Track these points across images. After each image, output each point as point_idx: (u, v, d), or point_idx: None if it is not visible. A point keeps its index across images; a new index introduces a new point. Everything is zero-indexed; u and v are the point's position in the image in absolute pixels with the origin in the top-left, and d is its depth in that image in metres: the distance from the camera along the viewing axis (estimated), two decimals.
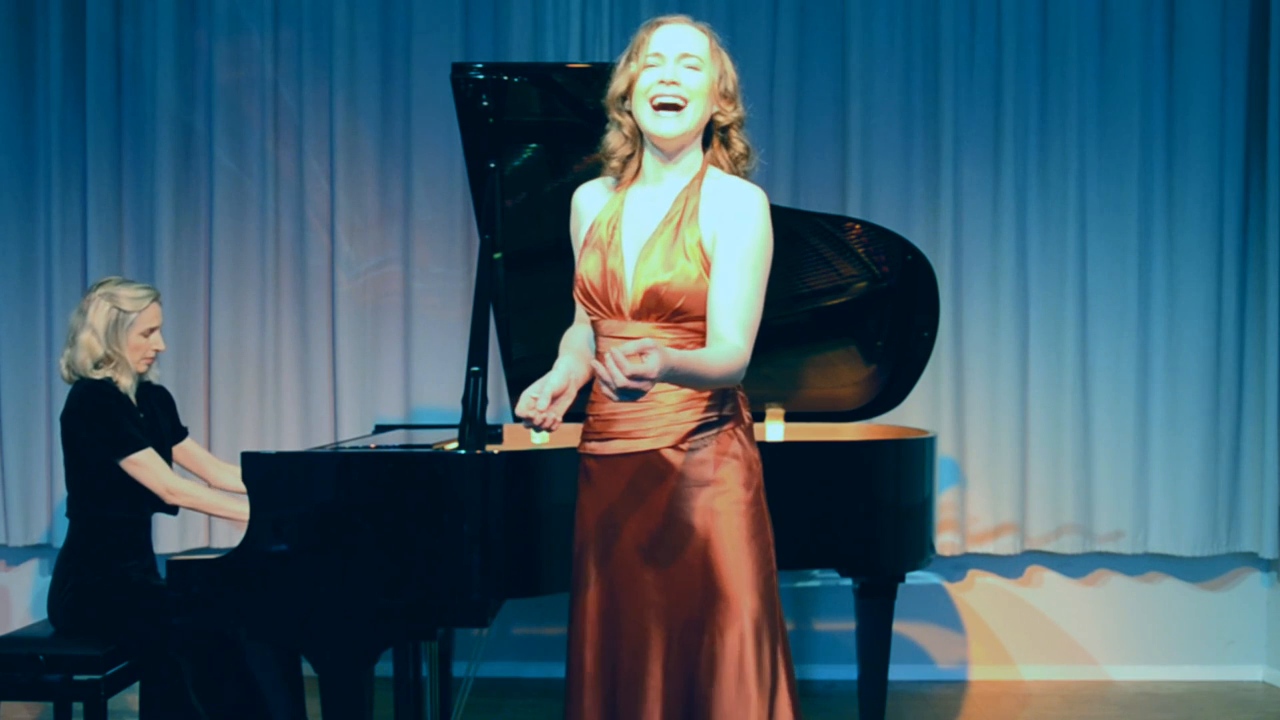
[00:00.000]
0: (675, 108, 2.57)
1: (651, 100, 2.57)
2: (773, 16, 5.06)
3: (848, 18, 5.05)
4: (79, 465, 3.66)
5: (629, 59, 2.63)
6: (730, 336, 2.53)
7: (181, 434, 3.95)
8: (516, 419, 4.36)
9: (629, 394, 2.27)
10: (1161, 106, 5.07)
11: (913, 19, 5.06)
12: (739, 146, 2.67)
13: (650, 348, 2.27)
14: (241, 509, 3.69)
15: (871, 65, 5.06)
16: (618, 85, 2.63)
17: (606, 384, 2.27)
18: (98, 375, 3.67)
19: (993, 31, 5.06)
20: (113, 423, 3.61)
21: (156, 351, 3.79)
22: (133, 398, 3.72)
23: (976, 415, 5.09)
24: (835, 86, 5.08)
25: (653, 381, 2.27)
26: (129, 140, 5.05)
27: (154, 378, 3.86)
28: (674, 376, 2.38)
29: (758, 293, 2.58)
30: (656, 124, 2.58)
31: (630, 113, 2.63)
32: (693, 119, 2.60)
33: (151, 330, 3.76)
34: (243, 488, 3.88)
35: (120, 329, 3.70)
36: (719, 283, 2.57)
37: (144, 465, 3.61)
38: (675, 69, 2.58)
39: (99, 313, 3.69)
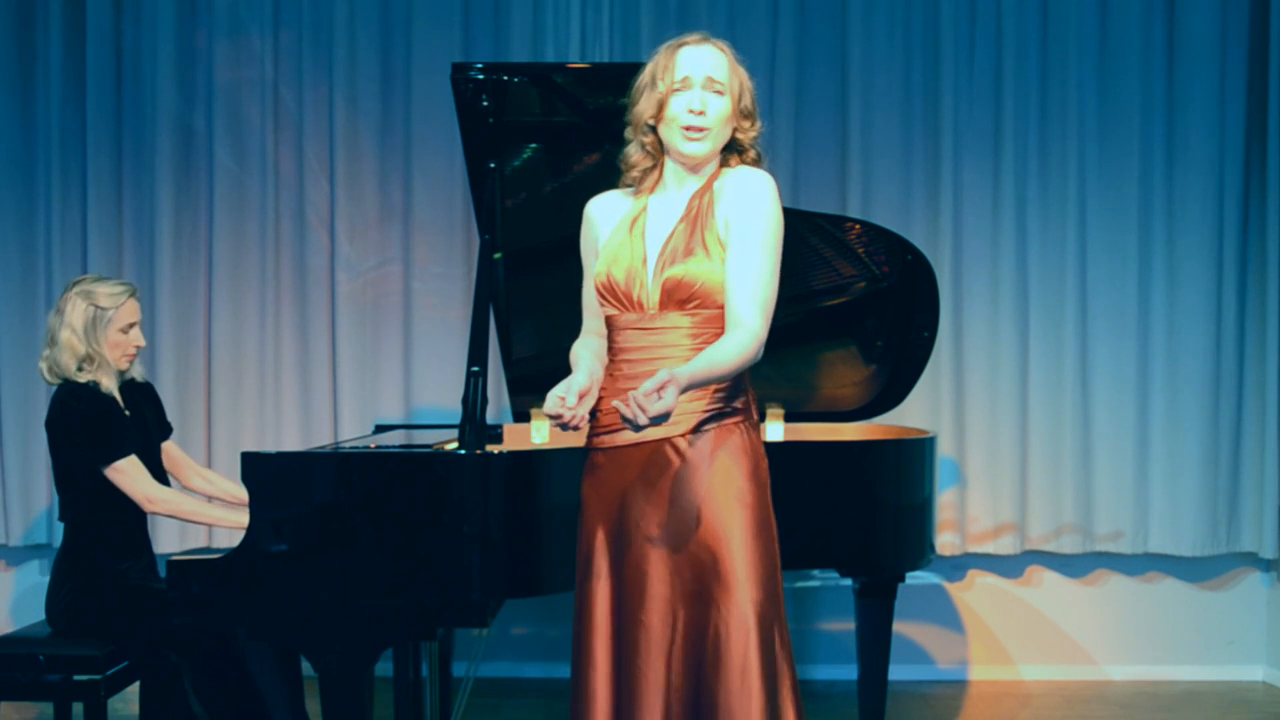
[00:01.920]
0: (705, 130, 2.68)
1: (683, 128, 2.68)
2: (773, 16, 5.06)
3: (848, 18, 5.05)
4: (66, 471, 3.63)
5: (653, 81, 2.70)
6: (746, 317, 2.62)
7: (167, 431, 3.92)
8: (514, 416, 4.37)
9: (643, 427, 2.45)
10: (1161, 106, 5.07)
11: (913, 19, 5.06)
12: (751, 154, 2.77)
13: (667, 381, 2.41)
14: (222, 515, 3.68)
15: (871, 65, 5.06)
16: (644, 109, 2.71)
17: (629, 421, 2.41)
18: (81, 378, 3.62)
19: (993, 32, 5.06)
20: (96, 429, 3.57)
21: (137, 348, 3.73)
22: (117, 397, 3.68)
23: (976, 415, 5.09)
24: (835, 86, 5.08)
25: (671, 411, 2.42)
26: (129, 140, 5.05)
27: (137, 375, 3.81)
28: (691, 387, 2.53)
29: (772, 272, 2.67)
30: (687, 147, 2.69)
31: (655, 131, 2.72)
32: (719, 142, 2.72)
33: (130, 326, 3.70)
34: (216, 491, 3.91)
35: (99, 326, 3.64)
36: (734, 264, 2.66)
37: (126, 473, 3.57)
38: (703, 96, 2.67)
39: (76, 311, 3.64)
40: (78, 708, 3.51)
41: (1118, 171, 5.08)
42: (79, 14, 5.03)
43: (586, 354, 2.79)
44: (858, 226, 4.19)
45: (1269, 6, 5.00)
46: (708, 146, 2.70)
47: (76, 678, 3.46)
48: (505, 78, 3.74)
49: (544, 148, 3.97)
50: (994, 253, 5.09)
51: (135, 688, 3.80)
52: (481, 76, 3.71)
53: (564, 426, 2.58)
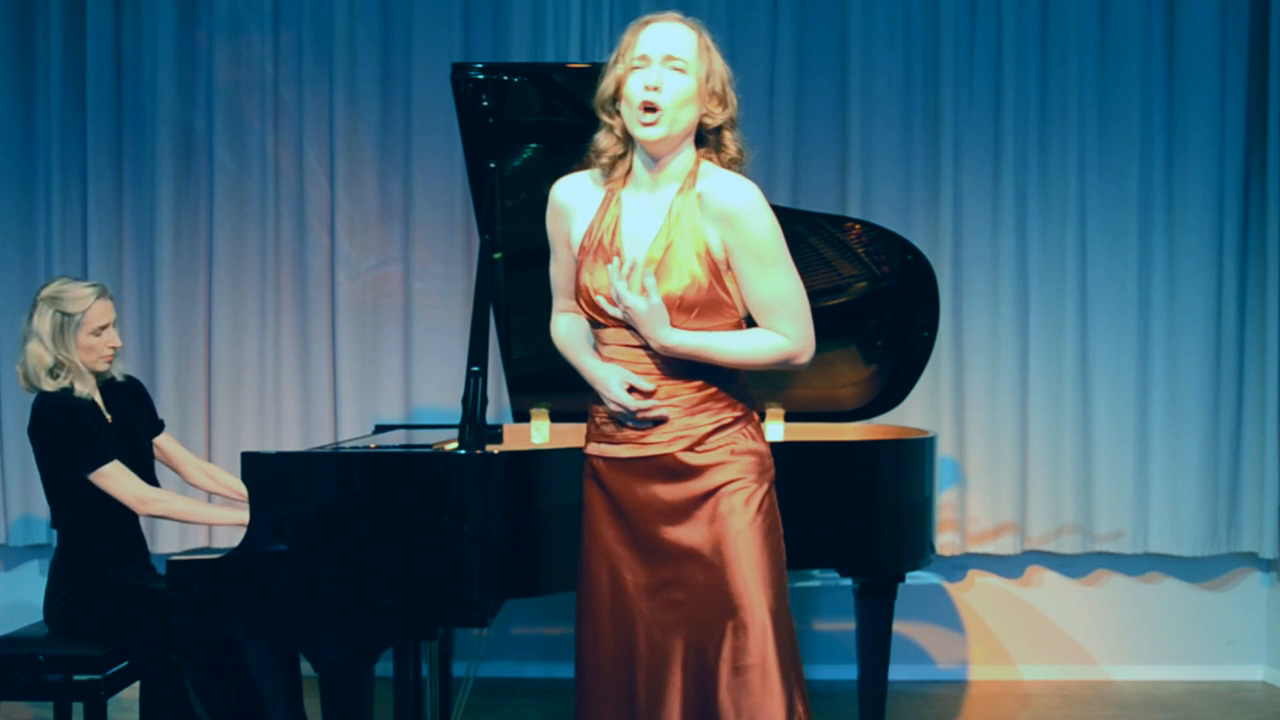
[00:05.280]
0: (658, 110, 2.56)
1: (639, 108, 2.57)
2: (772, 17, 5.06)
3: (848, 18, 5.05)
4: (53, 481, 3.59)
5: (616, 60, 2.61)
6: (789, 331, 2.63)
7: (159, 427, 3.88)
8: (514, 416, 4.37)
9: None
10: (1161, 106, 5.06)
11: (913, 19, 5.06)
12: (732, 150, 2.66)
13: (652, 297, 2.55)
14: (217, 513, 3.65)
15: (871, 65, 5.06)
16: (605, 87, 2.63)
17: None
18: (53, 386, 3.56)
19: (993, 31, 5.06)
20: (74, 437, 3.51)
21: (113, 349, 3.65)
22: (97, 400, 3.64)
23: (976, 415, 5.09)
24: (835, 86, 5.08)
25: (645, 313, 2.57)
26: (129, 140, 5.05)
27: (117, 374, 3.74)
28: (682, 351, 2.59)
29: (795, 280, 2.64)
30: (643, 131, 2.58)
31: (619, 114, 2.62)
32: (678, 124, 2.59)
33: (103, 328, 3.61)
34: (217, 488, 3.89)
35: (67, 332, 3.57)
36: (751, 289, 2.62)
37: (112, 477, 3.52)
38: (660, 72, 2.56)
39: (43, 319, 3.57)
40: (78, 708, 3.51)
41: (1118, 171, 5.07)
42: (79, 14, 5.02)
43: (587, 349, 2.75)
44: (858, 226, 4.18)
45: (1269, 6, 5.00)
46: (663, 130, 2.56)
47: (76, 678, 3.46)
48: (505, 78, 3.74)
49: (544, 148, 3.97)
50: (994, 253, 5.08)
51: (135, 688, 3.80)
52: (481, 76, 3.70)
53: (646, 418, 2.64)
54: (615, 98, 2.61)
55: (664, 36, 2.58)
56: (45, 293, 3.64)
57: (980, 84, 5.08)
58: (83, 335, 3.60)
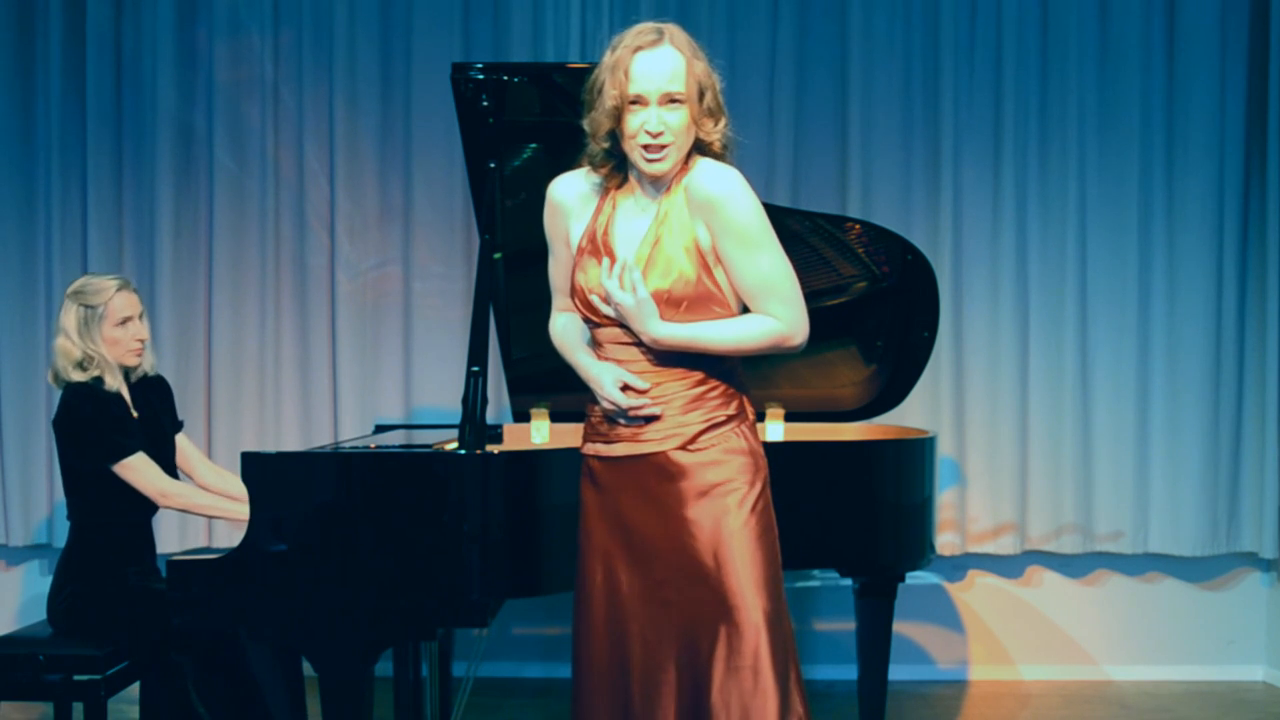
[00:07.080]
0: (662, 150, 2.59)
1: (643, 148, 2.59)
2: (773, 16, 5.06)
3: (848, 18, 5.05)
4: (74, 473, 3.61)
5: (604, 85, 2.60)
6: (780, 314, 2.63)
7: (178, 426, 3.89)
8: (514, 416, 4.37)
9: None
10: (1161, 106, 5.06)
11: (913, 19, 5.06)
12: (716, 147, 2.67)
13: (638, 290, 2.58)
14: (235, 508, 3.66)
15: (871, 65, 5.06)
16: (600, 120, 2.61)
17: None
18: (83, 377, 3.58)
19: (993, 31, 5.06)
20: (101, 428, 3.54)
21: (141, 341, 3.66)
22: (125, 394, 3.65)
23: (976, 415, 5.09)
24: (835, 86, 5.08)
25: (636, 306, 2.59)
26: (129, 140, 5.05)
27: (149, 367, 3.75)
28: (673, 343, 2.61)
29: (782, 261, 2.64)
30: (650, 168, 2.62)
31: (616, 140, 2.63)
32: (680, 150, 2.62)
33: (126, 320, 3.63)
34: (228, 489, 3.89)
35: (91, 325, 3.59)
36: (738, 274, 2.62)
37: (136, 469, 3.55)
38: (660, 116, 2.57)
39: (68, 315, 3.60)
40: (78, 708, 3.51)
41: (1118, 171, 5.08)
42: (79, 14, 5.02)
43: (583, 347, 2.77)
44: (858, 226, 4.19)
45: (1269, 6, 5.00)
46: (668, 164, 2.61)
47: (76, 678, 3.45)
48: (505, 78, 3.74)
49: (544, 148, 3.97)
50: (994, 253, 5.09)
51: (135, 688, 3.80)
52: (481, 76, 3.71)
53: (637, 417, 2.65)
54: (612, 131, 2.61)
55: (657, 71, 2.57)
56: (70, 289, 3.67)
57: (980, 84, 5.08)
58: (106, 328, 3.62)
